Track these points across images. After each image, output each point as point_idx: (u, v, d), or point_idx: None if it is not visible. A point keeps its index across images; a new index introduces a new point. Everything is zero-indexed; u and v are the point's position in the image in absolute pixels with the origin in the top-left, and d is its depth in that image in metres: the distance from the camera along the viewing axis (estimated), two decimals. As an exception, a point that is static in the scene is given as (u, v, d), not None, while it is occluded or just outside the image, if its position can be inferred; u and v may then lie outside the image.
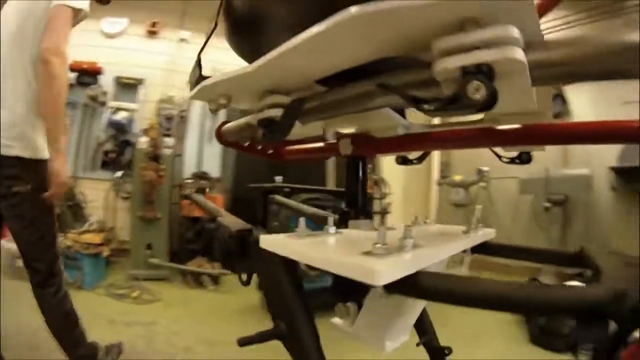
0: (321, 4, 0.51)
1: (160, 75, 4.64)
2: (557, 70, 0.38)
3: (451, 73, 0.37)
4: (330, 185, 4.47)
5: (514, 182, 4.31)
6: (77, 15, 1.47)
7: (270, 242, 0.58)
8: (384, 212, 4.36)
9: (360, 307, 0.65)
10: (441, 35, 0.37)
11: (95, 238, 3.36)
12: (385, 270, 0.39)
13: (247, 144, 1.04)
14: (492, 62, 0.34)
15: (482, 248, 0.83)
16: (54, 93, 1.39)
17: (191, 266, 3.80)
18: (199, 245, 4.07)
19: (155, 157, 3.79)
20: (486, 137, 0.67)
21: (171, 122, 4.29)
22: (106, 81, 4.40)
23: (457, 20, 0.36)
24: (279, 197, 1.85)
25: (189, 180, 4.40)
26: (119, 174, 4.35)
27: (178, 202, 4.26)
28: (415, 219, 0.89)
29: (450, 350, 0.91)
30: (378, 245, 0.45)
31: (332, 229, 0.64)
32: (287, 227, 2.87)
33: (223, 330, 2.60)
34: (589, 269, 0.55)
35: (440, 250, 0.56)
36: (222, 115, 4.96)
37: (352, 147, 0.85)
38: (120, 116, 4.33)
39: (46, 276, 1.56)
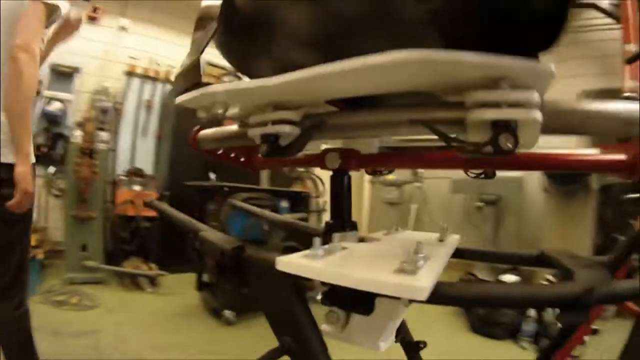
0: (337, 21, 0.53)
1: (96, 64, 4.32)
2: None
3: (482, 121, 0.44)
4: (264, 183, 4.46)
5: (447, 182, 4.47)
6: (52, 13, 1.39)
7: (290, 265, 0.56)
8: (320, 211, 4.40)
9: (348, 313, 0.69)
10: (474, 86, 0.44)
11: (29, 240, 3.07)
12: (426, 286, 0.44)
13: (220, 151, 1.01)
14: (519, 120, 0.42)
15: (454, 252, 0.91)
16: (20, 91, 1.30)
17: (127, 267, 3.65)
18: (134, 246, 3.88)
19: (89, 152, 3.53)
20: (466, 161, 0.76)
21: (106, 115, 4.00)
22: (42, 69, 3.97)
23: (492, 77, 0.42)
24: (244, 205, 1.81)
25: (123, 178, 4.16)
26: (52, 169, 3.99)
27: (111, 199, 4.03)
28: (389, 229, 0.94)
29: (425, 344, 0.99)
30: (406, 264, 0.50)
31: (340, 244, 0.66)
32: (227, 227, 2.84)
33: (170, 333, 2.55)
34: (559, 270, 0.65)
35: (442, 260, 0.62)
36: (156, 110, 4.75)
37: (339, 162, 0.87)
38: (54, 107, 3.98)
39: (8, 285, 1.43)
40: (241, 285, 0.73)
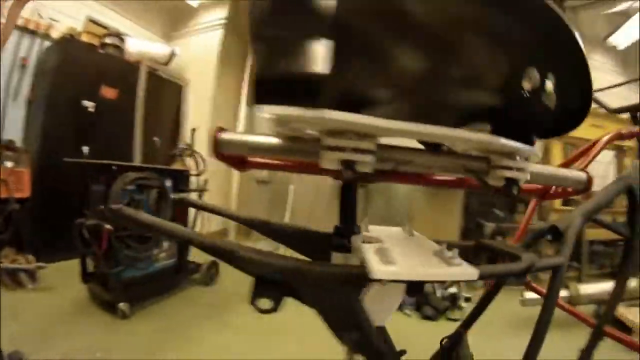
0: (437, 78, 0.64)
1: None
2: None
3: (501, 176, 0.81)
4: (137, 158, 4.27)
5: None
6: None
7: (387, 273, 0.58)
8: (202, 190, 4.25)
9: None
10: (498, 152, 0.78)
11: None
12: (477, 271, 0.62)
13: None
14: (521, 178, 0.81)
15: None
16: None
17: (3, 261, 3.23)
18: (8, 234, 3.41)
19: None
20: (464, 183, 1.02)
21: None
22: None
23: (511, 152, 0.80)
24: (198, 201, 1.76)
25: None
26: None
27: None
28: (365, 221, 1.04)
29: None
30: (451, 259, 0.68)
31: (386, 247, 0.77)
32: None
33: (70, 339, 2.39)
34: (501, 254, 0.91)
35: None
36: (31, 69, 4.10)
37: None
38: None
39: None
40: (292, 296, 0.73)
